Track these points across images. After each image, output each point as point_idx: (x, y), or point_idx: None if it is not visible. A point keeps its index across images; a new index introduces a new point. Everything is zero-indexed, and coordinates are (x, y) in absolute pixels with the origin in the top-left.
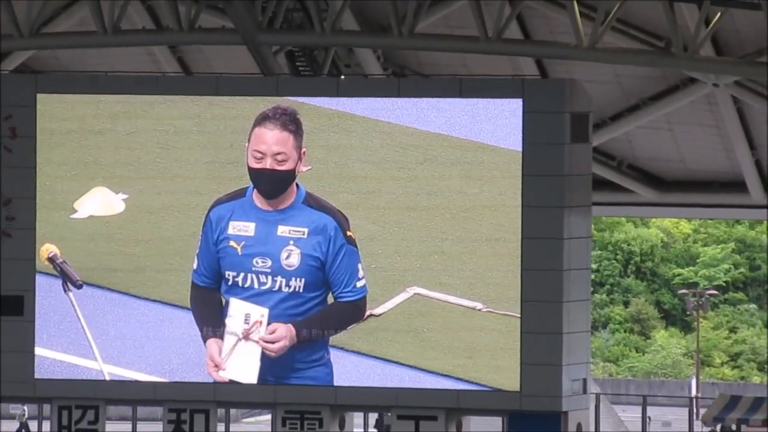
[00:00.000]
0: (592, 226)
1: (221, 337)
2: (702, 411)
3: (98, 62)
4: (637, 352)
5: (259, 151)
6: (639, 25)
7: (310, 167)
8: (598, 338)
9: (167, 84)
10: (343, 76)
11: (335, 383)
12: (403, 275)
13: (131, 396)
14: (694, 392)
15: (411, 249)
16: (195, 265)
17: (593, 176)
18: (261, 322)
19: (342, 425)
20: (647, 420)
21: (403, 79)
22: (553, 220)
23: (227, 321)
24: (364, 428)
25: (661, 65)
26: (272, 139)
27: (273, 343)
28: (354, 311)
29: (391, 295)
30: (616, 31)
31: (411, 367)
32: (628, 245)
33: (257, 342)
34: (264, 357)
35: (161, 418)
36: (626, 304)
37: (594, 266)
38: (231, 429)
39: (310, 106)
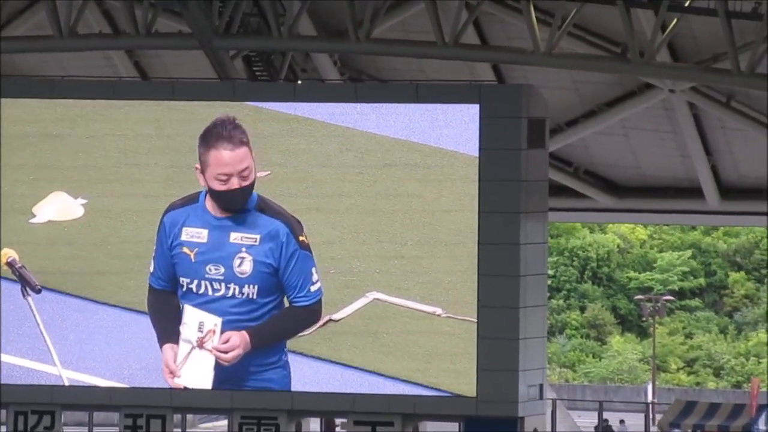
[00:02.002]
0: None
1: (177, 343)
2: (658, 417)
3: (55, 66)
4: (593, 357)
5: (225, 174)
6: (596, 31)
7: (269, 172)
8: (555, 344)
9: (124, 88)
10: (300, 81)
11: (293, 386)
12: (363, 280)
13: (88, 401)
14: (650, 398)
15: (370, 254)
16: (152, 269)
17: (550, 182)
18: (214, 332)
19: (299, 431)
20: (605, 425)
21: (360, 84)
22: (510, 226)
23: (182, 328)
24: None
25: (618, 71)
26: (234, 158)
27: (226, 352)
28: (309, 315)
29: (350, 300)
30: (573, 37)
31: (369, 372)
32: (585, 251)
33: (210, 351)
34: (218, 365)
35: (117, 424)
36: (582, 309)
37: (550, 272)
38: None
39: (268, 110)
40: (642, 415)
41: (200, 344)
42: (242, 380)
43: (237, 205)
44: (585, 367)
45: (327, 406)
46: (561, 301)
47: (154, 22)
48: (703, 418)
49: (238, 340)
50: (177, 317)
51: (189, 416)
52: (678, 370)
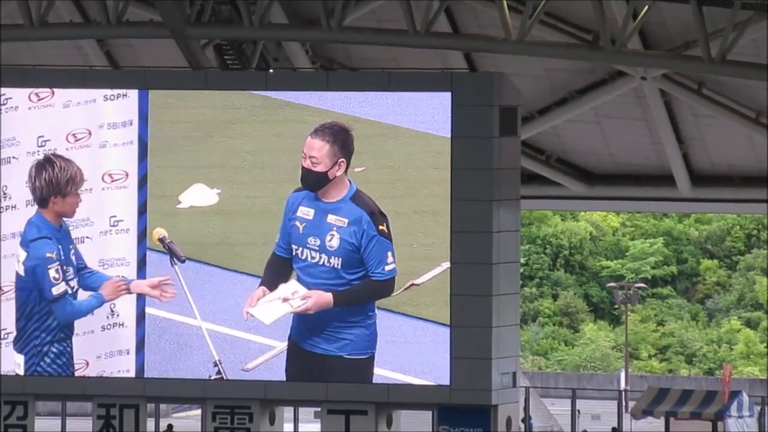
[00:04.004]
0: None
1: (271, 290)
2: (631, 404)
3: (26, 55)
4: (566, 345)
5: (303, 152)
6: (567, 19)
7: (364, 167)
8: (528, 331)
9: (95, 77)
10: (271, 70)
11: (378, 342)
12: (439, 253)
13: (60, 391)
14: (623, 385)
15: (445, 232)
16: (277, 239)
17: (522, 170)
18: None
19: (272, 420)
20: (576, 413)
21: (332, 73)
22: (482, 214)
23: (282, 284)
24: (294, 423)
25: (590, 59)
26: (311, 145)
27: (303, 306)
28: (383, 288)
29: (429, 268)
30: (545, 25)
31: (444, 324)
32: (557, 239)
33: (289, 305)
34: (305, 316)
35: (90, 414)
36: (555, 297)
37: (523, 260)
38: (161, 424)
39: (365, 119)
40: (615, 403)
41: (285, 300)
42: (320, 330)
43: (307, 183)
44: (558, 354)
45: (299, 396)
46: (533, 289)
47: (125, 11)
48: (676, 404)
49: (314, 301)
50: (282, 276)
51: (162, 405)
52: (650, 357)
